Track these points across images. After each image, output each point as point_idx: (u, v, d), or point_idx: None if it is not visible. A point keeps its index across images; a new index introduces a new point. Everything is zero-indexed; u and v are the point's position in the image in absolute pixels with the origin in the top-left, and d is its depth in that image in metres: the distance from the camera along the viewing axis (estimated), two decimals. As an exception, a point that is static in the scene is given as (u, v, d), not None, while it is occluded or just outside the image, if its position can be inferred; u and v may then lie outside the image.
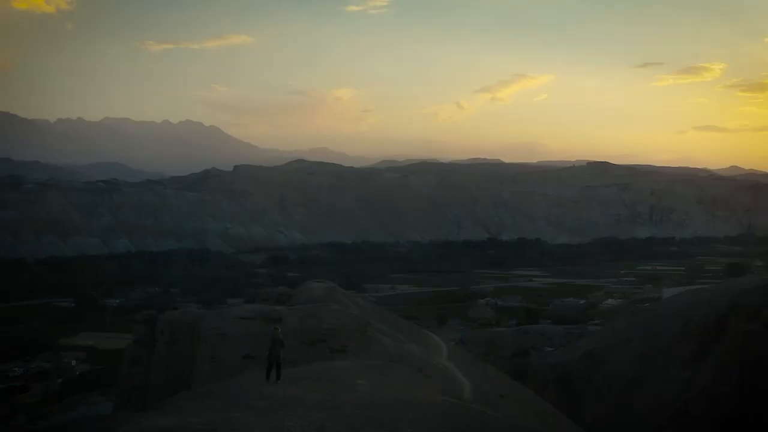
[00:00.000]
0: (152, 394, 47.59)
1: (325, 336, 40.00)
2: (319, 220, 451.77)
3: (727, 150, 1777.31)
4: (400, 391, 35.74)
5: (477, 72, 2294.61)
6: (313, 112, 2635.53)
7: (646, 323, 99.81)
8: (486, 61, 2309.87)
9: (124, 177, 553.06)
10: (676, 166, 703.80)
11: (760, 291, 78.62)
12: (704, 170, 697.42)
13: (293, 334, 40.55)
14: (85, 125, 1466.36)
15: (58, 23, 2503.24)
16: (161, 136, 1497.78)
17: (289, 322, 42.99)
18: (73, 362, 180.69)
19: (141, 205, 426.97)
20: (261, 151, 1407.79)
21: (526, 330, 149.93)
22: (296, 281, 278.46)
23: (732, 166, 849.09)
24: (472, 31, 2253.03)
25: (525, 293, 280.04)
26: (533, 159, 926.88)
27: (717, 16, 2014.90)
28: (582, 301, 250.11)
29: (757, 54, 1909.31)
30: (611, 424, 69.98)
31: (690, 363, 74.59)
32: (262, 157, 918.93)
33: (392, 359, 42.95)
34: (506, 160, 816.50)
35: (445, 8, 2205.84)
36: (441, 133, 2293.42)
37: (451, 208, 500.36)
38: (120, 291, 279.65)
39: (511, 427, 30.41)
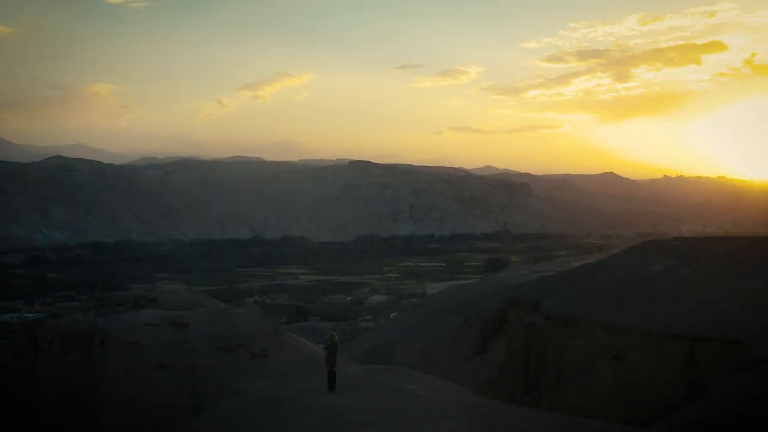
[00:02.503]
0: (41, 412, 43.36)
1: (244, 341, 38.08)
2: (80, 219, 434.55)
3: (482, 150, 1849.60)
4: (450, 393, 34.90)
5: (238, 69, 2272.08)
6: (70, 107, 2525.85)
7: (427, 318, 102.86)
8: (247, 58, 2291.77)
9: None
10: (435, 165, 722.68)
11: (536, 284, 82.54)
12: (461, 170, 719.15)
13: (204, 340, 38.54)
14: None
15: None
16: None
17: (197, 328, 40.66)
18: None
19: None
20: (16, 147, 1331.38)
21: (298, 328, 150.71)
22: (58, 282, 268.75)
23: (487, 166, 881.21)
24: (234, 28, 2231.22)
25: (292, 291, 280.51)
26: (295, 158, 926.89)
27: (474, 21, 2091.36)
28: (349, 298, 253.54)
29: (511, 59, 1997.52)
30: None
31: (473, 355, 77.41)
32: (17, 153, 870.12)
33: (307, 362, 41.86)
34: (268, 158, 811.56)
35: (207, 4, 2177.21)
36: (202, 131, 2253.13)
37: (215, 206, 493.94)
38: None
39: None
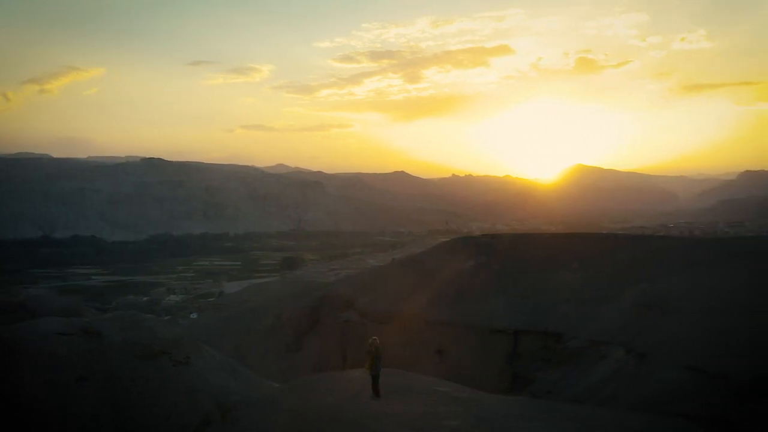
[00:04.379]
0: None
1: (168, 348, 35.70)
2: None
3: (274, 149, 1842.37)
4: (484, 394, 33.38)
5: (24, 62, 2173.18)
6: None
7: (234, 318, 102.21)
8: (33, 50, 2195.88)
9: None
10: (228, 163, 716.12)
11: (349, 282, 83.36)
12: (254, 168, 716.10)
13: (121, 348, 35.85)
14: None
15: None
16: None
17: (111, 335, 37.61)
18: None
19: None
20: None
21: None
22: None
23: (279, 164, 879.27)
24: (18, 18, 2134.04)
25: (85, 292, 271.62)
26: (84, 154, 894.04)
27: (267, 19, 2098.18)
28: (145, 299, 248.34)
29: (303, 58, 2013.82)
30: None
31: (287, 353, 77.30)
32: None
33: (223, 367, 39.88)
34: (55, 154, 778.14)
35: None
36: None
37: (0, 204, 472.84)
38: None
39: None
